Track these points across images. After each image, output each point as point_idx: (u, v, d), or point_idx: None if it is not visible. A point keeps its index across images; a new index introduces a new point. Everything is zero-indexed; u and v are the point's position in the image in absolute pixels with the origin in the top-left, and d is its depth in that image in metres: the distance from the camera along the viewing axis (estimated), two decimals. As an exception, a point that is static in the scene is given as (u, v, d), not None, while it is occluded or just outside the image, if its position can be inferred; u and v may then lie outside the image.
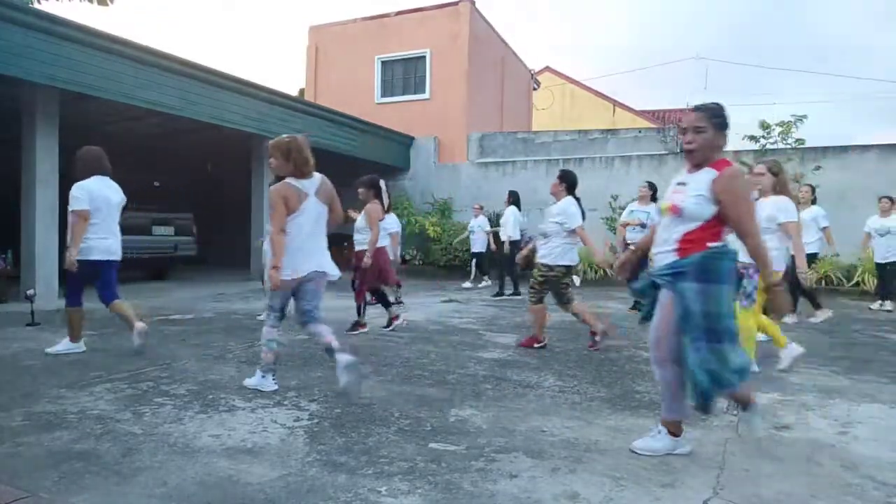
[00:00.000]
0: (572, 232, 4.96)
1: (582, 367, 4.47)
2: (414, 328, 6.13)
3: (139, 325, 4.55)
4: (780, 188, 4.31)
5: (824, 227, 7.44)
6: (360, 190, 5.84)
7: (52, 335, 5.26)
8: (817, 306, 7.01)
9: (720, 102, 2.62)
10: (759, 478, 2.46)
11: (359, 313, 5.91)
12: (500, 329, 6.21)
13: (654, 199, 7.66)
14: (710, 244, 2.50)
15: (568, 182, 5.15)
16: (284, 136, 3.65)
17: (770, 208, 4.17)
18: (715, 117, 2.57)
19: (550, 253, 4.96)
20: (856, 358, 4.95)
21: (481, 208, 11.17)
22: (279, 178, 3.64)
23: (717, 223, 2.52)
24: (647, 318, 2.75)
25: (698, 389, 2.49)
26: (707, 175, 2.54)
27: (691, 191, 2.55)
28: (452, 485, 2.33)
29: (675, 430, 2.69)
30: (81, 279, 4.53)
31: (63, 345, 4.57)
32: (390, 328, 5.98)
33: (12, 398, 3.35)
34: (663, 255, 2.62)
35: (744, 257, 2.76)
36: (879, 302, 8.37)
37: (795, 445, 2.86)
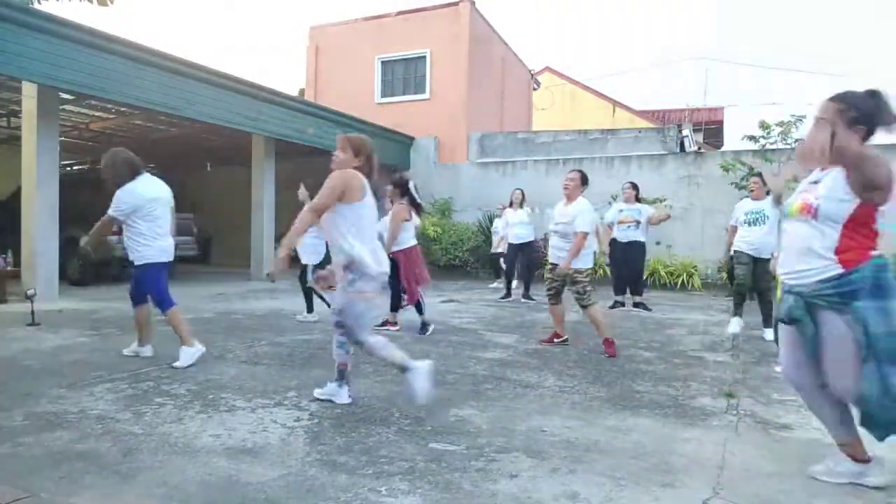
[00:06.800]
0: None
1: (582, 367, 4.47)
2: (414, 328, 6.13)
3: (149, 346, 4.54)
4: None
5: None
6: (388, 188, 5.87)
7: (53, 335, 5.27)
8: None
9: (855, 91, 2.28)
10: (759, 478, 2.46)
11: (420, 311, 5.90)
12: (501, 329, 6.21)
13: (637, 198, 7.76)
14: (869, 252, 2.21)
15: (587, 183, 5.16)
16: (360, 135, 3.62)
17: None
18: (850, 109, 2.24)
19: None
20: (856, 358, 4.94)
21: (504, 208, 10.72)
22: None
23: (867, 221, 2.22)
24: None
25: (883, 421, 2.18)
26: (840, 169, 2.23)
27: (824, 188, 2.27)
28: (452, 485, 2.34)
29: (856, 455, 2.37)
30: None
31: (188, 354, 4.26)
32: (424, 332, 5.80)
33: (12, 398, 3.35)
34: (815, 270, 2.27)
35: None
36: None
37: (795, 445, 2.86)
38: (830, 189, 2.25)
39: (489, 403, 3.46)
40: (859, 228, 2.23)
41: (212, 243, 15.20)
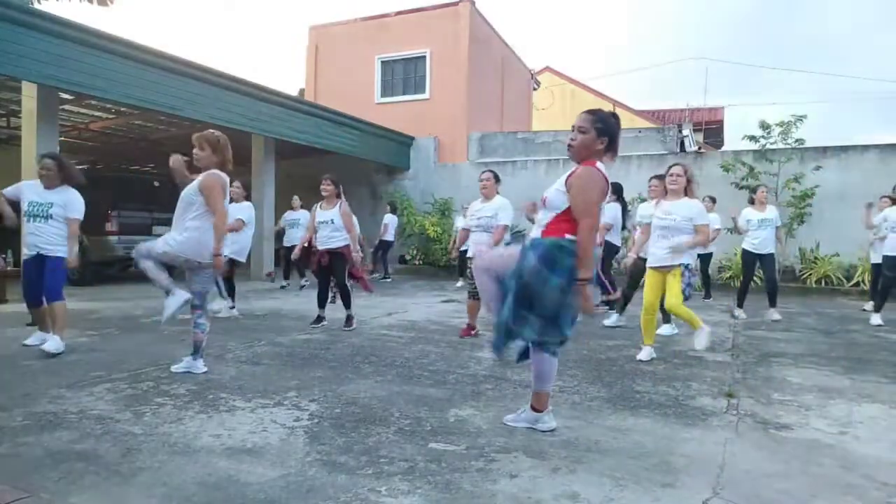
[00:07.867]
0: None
1: (582, 367, 4.47)
2: (414, 328, 6.13)
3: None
4: (689, 192, 4.81)
5: (778, 227, 7.39)
6: (329, 186, 5.99)
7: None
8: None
9: (607, 111, 2.90)
10: (759, 478, 2.46)
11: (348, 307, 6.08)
12: (500, 329, 6.20)
13: (620, 199, 7.68)
14: (567, 235, 2.77)
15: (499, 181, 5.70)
16: (213, 131, 4.04)
17: (689, 210, 4.70)
18: (598, 122, 2.83)
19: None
20: (856, 358, 4.95)
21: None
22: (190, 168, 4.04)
23: (571, 215, 2.78)
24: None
25: (495, 336, 2.89)
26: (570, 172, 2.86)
27: (557, 184, 2.87)
28: (452, 485, 2.33)
29: (536, 405, 2.97)
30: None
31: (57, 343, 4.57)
32: (317, 326, 6.05)
33: (12, 398, 3.35)
34: (534, 232, 2.93)
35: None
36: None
37: (795, 445, 2.86)
38: (557, 186, 2.86)
39: (489, 403, 3.46)
40: (564, 217, 2.80)
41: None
